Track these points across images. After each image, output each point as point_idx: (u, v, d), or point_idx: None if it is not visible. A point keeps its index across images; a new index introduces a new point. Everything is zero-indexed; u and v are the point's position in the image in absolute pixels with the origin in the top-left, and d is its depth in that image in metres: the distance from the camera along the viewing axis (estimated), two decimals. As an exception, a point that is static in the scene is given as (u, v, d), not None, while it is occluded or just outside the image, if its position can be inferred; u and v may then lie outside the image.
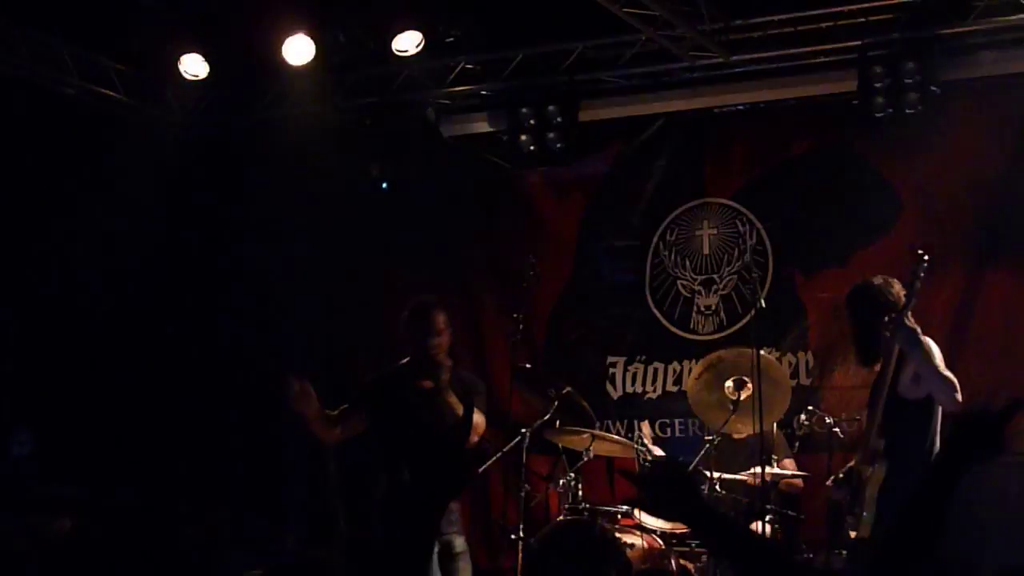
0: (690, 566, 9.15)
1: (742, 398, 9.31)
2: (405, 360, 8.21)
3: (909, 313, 7.68)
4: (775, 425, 9.70)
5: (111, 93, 11.75)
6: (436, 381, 7.88)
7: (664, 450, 10.01)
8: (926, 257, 7.69)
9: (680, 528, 8.96)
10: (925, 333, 7.71)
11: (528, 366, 10.07)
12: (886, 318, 7.66)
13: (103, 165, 11.67)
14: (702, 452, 9.25)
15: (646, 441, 9.70)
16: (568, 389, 9.62)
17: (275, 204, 12.29)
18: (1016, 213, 10.23)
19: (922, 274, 7.68)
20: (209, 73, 11.49)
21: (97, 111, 11.78)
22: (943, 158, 10.56)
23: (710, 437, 9.32)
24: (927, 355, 7.67)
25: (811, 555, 8.99)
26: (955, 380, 7.65)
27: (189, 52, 11.40)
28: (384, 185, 11.86)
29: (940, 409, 7.73)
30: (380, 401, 8.14)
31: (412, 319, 8.08)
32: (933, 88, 10.19)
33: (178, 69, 11.47)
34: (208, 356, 12.43)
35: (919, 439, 7.67)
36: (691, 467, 9.03)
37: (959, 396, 7.60)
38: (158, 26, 11.25)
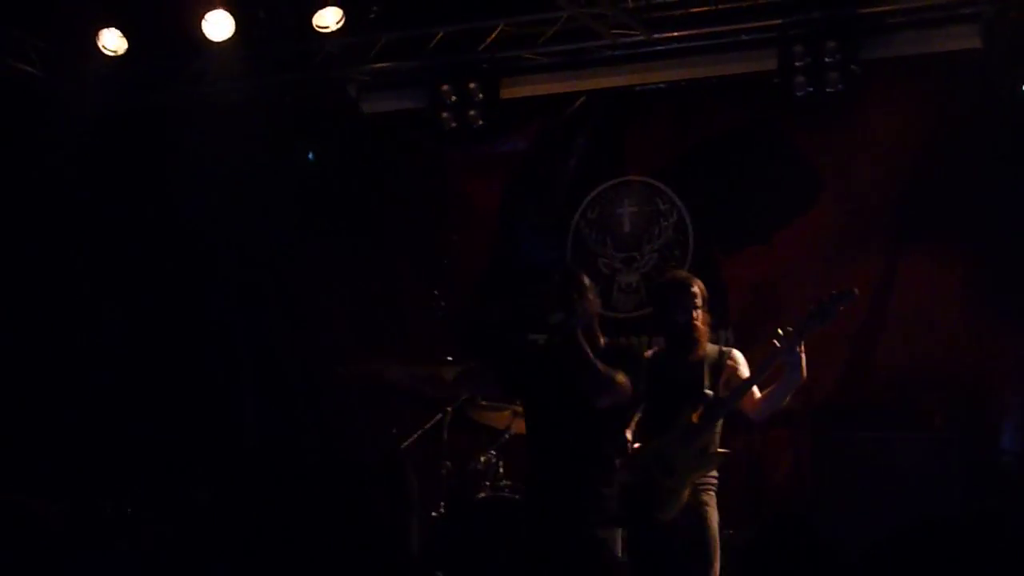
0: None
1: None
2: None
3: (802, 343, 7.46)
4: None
5: (28, 68, 11.60)
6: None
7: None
8: (856, 292, 7.52)
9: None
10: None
11: (450, 359, 9.98)
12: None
13: (20, 142, 11.54)
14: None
15: None
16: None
17: (195, 181, 12.18)
18: (934, 193, 10.28)
19: (841, 308, 7.44)
20: (128, 48, 11.37)
21: (14, 87, 11.61)
22: (863, 137, 10.61)
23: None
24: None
25: (731, 531, 9.01)
26: None
27: (107, 27, 11.27)
28: (310, 155, 11.79)
29: None
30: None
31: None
32: (853, 67, 10.25)
33: (96, 44, 11.34)
34: (134, 336, 12.32)
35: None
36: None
37: None
38: (76, 1, 11.12)
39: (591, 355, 6.52)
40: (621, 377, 6.59)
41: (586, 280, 6.90)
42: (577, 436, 6.75)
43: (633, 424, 7.59)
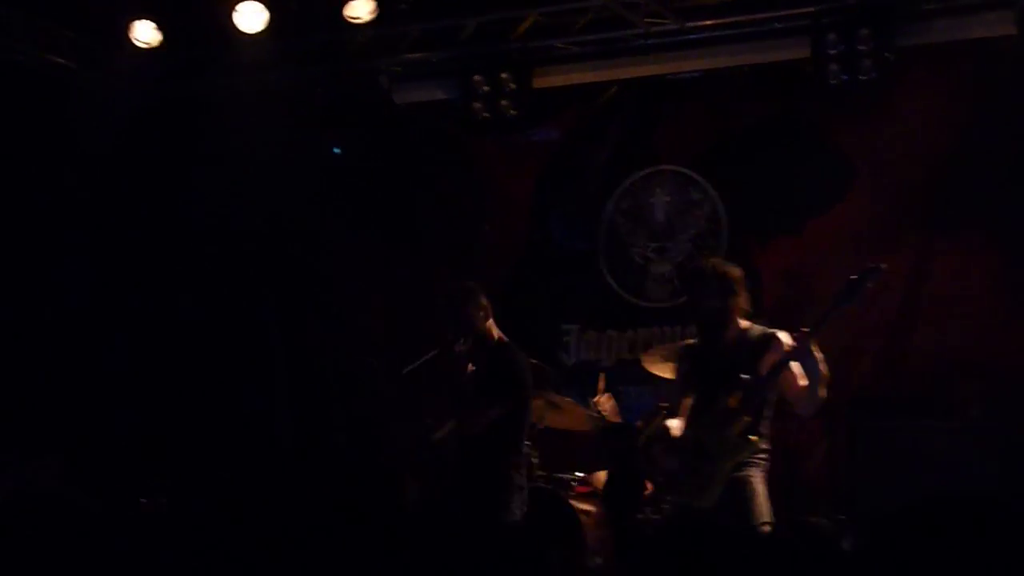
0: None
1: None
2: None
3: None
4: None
5: (62, 60, 11.62)
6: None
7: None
8: (883, 267, 7.21)
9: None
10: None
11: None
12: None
13: (53, 134, 11.58)
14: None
15: (603, 411, 9.73)
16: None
17: (227, 172, 12.19)
18: (968, 181, 10.24)
19: (870, 284, 7.12)
20: (161, 41, 11.38)
21: (48, 79, 11.65)
22: (897, 126, 10.57)
23: (665, 404, 9.28)
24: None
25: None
26: None
27: (140, 19, 11.29)
28: (336, 149, 11.82)
29: None
30: None
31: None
32: (887, 55, 10.19)
33: (129, 36, 11.36)
34: (165, 327, 12.39)
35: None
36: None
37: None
38: (109, -7, 11.16)
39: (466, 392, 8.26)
40: (492, 411, 8.14)
41: (472, 294, 8.36)
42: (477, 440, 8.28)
43: (684, 411, 7.57)
